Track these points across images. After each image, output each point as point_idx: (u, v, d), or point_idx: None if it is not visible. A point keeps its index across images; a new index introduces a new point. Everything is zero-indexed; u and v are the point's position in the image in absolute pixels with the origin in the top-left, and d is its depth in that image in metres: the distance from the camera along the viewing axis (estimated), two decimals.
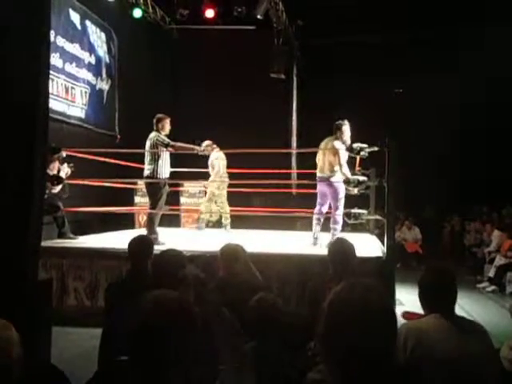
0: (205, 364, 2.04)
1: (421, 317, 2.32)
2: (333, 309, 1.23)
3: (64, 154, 6.39)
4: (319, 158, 6.19)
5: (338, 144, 5.96)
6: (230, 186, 7.83)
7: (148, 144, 6.27)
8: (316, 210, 6.28)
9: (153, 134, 6.25)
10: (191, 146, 6.68)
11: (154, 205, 6.23)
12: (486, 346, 2.16)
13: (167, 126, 6.36)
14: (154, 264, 2.76)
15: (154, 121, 6.33)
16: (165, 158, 6.26)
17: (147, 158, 6.29)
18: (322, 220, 6.26)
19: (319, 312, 1.29)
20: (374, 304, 1.22)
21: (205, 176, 8.05)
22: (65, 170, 6.40)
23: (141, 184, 7.83)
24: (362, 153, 5.88)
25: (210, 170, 7.78)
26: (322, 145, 6.16)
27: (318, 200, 6.25)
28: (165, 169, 6.27)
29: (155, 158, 6.19)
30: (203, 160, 7.62)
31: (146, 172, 6.27)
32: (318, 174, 6.17)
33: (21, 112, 3.13)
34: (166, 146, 6.21)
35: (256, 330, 2.42)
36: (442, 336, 2.09)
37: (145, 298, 1.26)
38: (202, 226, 8.05)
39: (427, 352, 2.03)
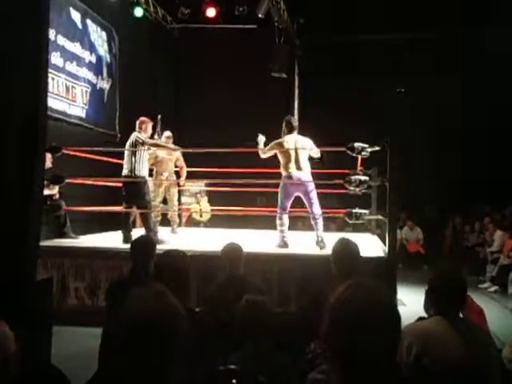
0: (202, 364, 2.03)
1: None
2: (337, 308, 1.22)
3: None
4: (294, 157, 5.88)
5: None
6: (232, 185, 7.74)
7: (128, 143, 6.33)
8: (282, 210, 5.95)
9: (132, 134, 6.32)
10: (166, 145, 7.09)
11: (144, 204, 6.26)
12: (489, 350, 2.14)
13: (149, 128, 6.48)
14: (157, 264, 2.76)
15: (137, 122, 6.40)
16: (142, 156, 6.26)
17: (125, 158, 6.32)
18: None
19: (322, 312, 1.28)
20: (379, 304, 1.22)
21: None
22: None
23: None
24: (363, 152, 5.84)
25: (172, 164, 7.60)
26: (298, 144, 5.94)
27: (287, 203, 5.91)
28: (142, 167, 6.26)
29: (132, 157, 6.20)
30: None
31: (124, 171, 6.27)
32: (296, 173, 5.84)
33: (21, 111, 3.13)
34: (142, 143, 6.23)
35: (244, 332, 2.39)
36: (446, 340, 2.07)
37: (131, 295, 1.25)
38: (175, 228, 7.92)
39: (431, 356, 2.02)
